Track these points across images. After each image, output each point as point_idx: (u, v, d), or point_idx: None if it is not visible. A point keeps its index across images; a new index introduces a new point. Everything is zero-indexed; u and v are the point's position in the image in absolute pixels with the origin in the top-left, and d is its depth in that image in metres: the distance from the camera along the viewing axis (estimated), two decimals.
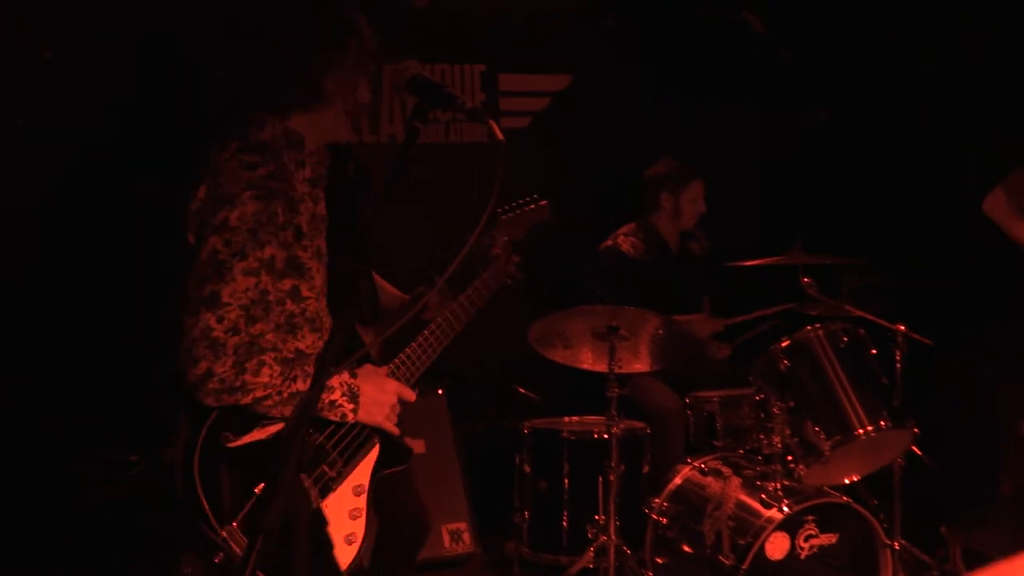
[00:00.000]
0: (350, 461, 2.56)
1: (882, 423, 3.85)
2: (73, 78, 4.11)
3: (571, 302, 4.13)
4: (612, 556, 3.93)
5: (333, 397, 2.50)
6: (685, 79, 5.65)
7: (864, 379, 3.93)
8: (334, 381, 2.49)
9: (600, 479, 4.10)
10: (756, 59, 5.76)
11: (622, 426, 4.09)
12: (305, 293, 2.50)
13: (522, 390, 5.11)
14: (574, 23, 5.57)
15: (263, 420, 2.42)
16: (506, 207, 3.36)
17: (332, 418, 2.51)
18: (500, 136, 1.95)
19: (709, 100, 5.66)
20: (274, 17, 2.52)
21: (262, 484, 2.34)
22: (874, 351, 4.01)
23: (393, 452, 2.65)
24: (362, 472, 2.57)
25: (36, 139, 4.10)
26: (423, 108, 2.08)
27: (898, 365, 4.05)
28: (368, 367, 2.62)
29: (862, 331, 4.03)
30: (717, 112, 5.66)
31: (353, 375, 2.55)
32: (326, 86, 2.51)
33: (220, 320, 2.33)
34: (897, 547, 3.98)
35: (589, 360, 4.25)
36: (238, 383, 2.35)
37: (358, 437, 2.60)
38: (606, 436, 4.02)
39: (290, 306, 2.48)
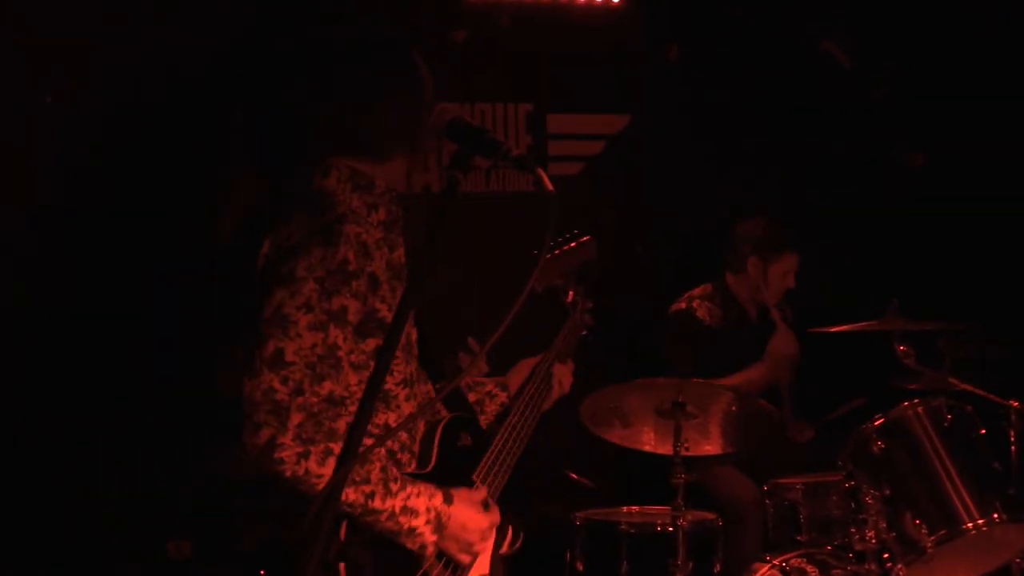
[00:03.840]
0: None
1: (995, 516, 3.79)
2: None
3: (630, 374, 4.13)
4: None
5: (415, 523, 2.46)
6: (759, 119, 5.68)
7: (972, 463, 3.88)
8: (421, 503, 2.46)
9: None
10: (842, 95, 5.78)
11: (690, 517, 4.05)
12: (390, 354, 2.51)
13: (573, 476, 5.08)
14: (632, 57, 5.64)
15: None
16: (545, 249, 3.38)
17: (409, 546, 2.47)
18: (550, 187, 1.97)
19: (787, 142, 5.67)
20: (338, 69, 2.66)
21: None
22: (983, 431, 3.96)
23: None
24: None
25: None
26: (463, 155, 2.10)
27: (1012, 447, 3.99)
28: (463, 491, 2.59)
29: (969, 407, 3.98)
30: (797, 156, 5.68)
31: (448, 499, 2.52)
32: (388, 140, 2.60)
33: (284, 381, 2.35)
34: None
35: (651, 441, 4.23)
36: (299, 470, 2.35)
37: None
38: (671, 529, 3.99)
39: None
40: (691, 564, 4.03)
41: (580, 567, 4.33)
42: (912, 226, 5.67)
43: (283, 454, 2.33)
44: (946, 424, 3.92)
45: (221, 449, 4.12)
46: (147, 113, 4.43)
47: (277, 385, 2.34)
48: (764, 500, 4.48)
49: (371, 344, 2.45)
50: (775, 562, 4.07)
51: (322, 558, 1.87)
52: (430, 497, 2.47)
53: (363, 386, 2.43)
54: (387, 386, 2.51)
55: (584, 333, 3.31)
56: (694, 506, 4.22)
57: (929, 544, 3.78)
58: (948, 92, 5.58)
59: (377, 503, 2.39)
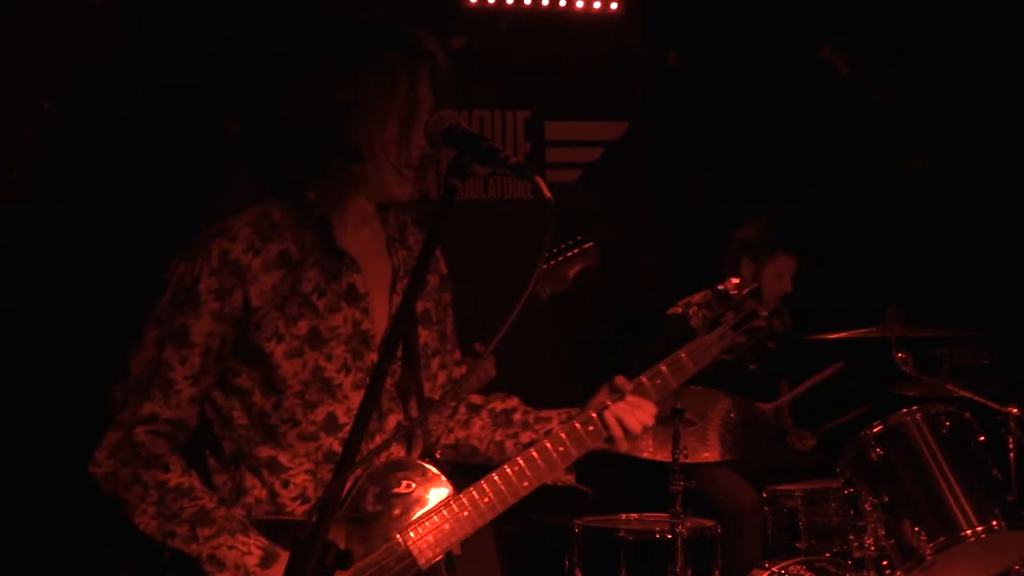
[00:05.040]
0: None
1: (994, 523, 3.78)
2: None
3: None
4: None
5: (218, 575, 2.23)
6: (759, 126, 5.68)
7: (971, 470, 3.87)
8: (231, 557, 2.21)
9: None
10: (841, 101, 5.78)
11: (688, 524, 4.05)
12: (277, 385, 2.30)
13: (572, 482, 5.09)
14: (630, 64, 5.64)
15: None
16: (547, 254, 3.36)
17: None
18: (548, 195, 1.96)
19: (786, 149, 5.68)
20: (297, 57, 2.43)
21: None
22: (982, 438, 3.95)
23: None
24: None
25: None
26: (461, 162, 2.09)
27: (1011, 454, 3.99)
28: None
29: (967, 414, 3.98)
30: (796, 162, 5.68)
31: (267, 562, 2.24)
32: (358, 140, 2.31)
33: (121, 391, 2.28)
34: None
35: (650, 448, 4.23)
36: (110, 489, 2.25)
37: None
38: (670, 536, 3.99)
39: (258, 399, 2.31)
40: (690, 571, 4.03)
41: (579, 574, 4.33)
42: (911, 232, 5.67)
43: (95, 469, 2.27)
44: (945, 431, 3.92)
45: None
46: (144, 119, 4.45)
47: (116, 394, 2.29)
48: (763, 507, 4.48)
49: (258, 371, 2.29)
50: (774, 569, 4.07)
51: (317, 568, 1.86)
52: (244, 555, 2.22)
53: (239, 413, 2.32)
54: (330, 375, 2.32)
55: (769, 344, 2.83)
56: (693, 513, 4.22)
57: (928, 551, 3.77)
58: (947, 98, 5.59)
59: (178, 544, 2.23)
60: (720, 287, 2.79)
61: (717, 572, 4.29)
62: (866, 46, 5.75)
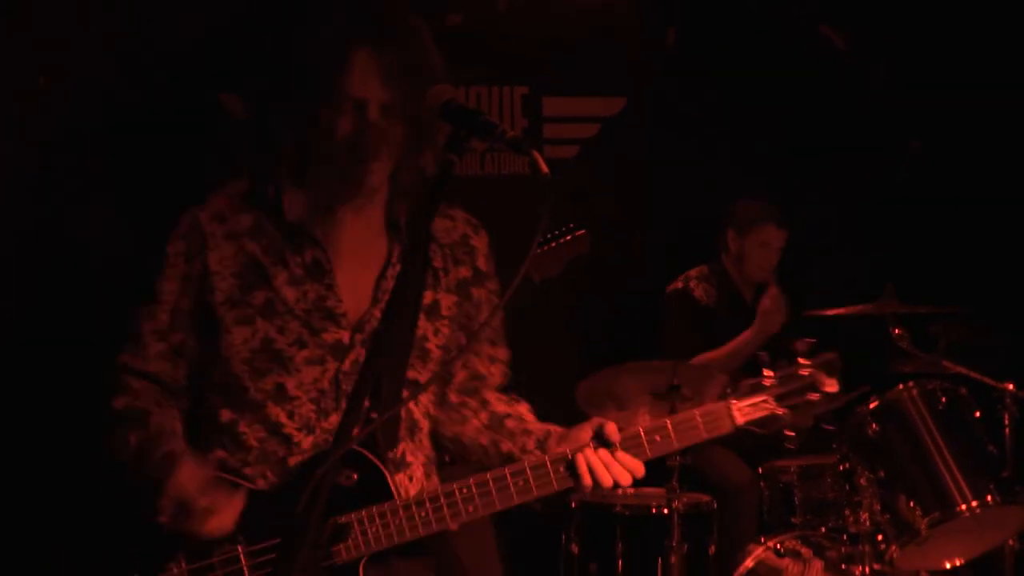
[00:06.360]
0: None
1: (989, 498, 3.79)
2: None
3: (625, 356, 4.13)
4: None
5: None
6: (756, 103, 5.67)
7: (967, 446, 3.89)
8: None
9: (659, 560, 4.07)
10: (839, 78, 5.77)
11: (685, 500, 4.07)
12: (226, 349, 2.33)
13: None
14: (628, 40, 5.62)
15: None
16: (538, 240, 3.34)
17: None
18: (545, 169, 1.95)
19: (785, 127, 5.66)
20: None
21: None
22: (978, 413, 3.96)
23: None
24: None
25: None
26: (458, 138, 2.08)
27: (1007, 430, 4.00)
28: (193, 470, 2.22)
29: (964, 390, 3.99)
30: (794, 141, 5.67)
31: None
32: (290, 126, 2.30)
33: None
34: None
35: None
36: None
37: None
38: (666, 511, 4.00)
39: (215, 363, 2.35)
40: (686, 546, 4.05)
41: (576, 549, 4.34)
42: (908, 210, 5.67)
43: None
44: (941, 407, 3.93)
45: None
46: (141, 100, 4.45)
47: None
48: (759, 482, 4.49)
49: (214, 335, 2.33)
50: (770, 544, 4.09)
51: (312, 555, 1.86)
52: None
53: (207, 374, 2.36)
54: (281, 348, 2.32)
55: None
56: (689, 488, 4.23)
57: (923, 526, 3.79)
58: (944, 79, 5.57)
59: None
60: (794, 345, 2.37)
61: (713, 547, 4.30)
62: (865, 23, 5.73)
